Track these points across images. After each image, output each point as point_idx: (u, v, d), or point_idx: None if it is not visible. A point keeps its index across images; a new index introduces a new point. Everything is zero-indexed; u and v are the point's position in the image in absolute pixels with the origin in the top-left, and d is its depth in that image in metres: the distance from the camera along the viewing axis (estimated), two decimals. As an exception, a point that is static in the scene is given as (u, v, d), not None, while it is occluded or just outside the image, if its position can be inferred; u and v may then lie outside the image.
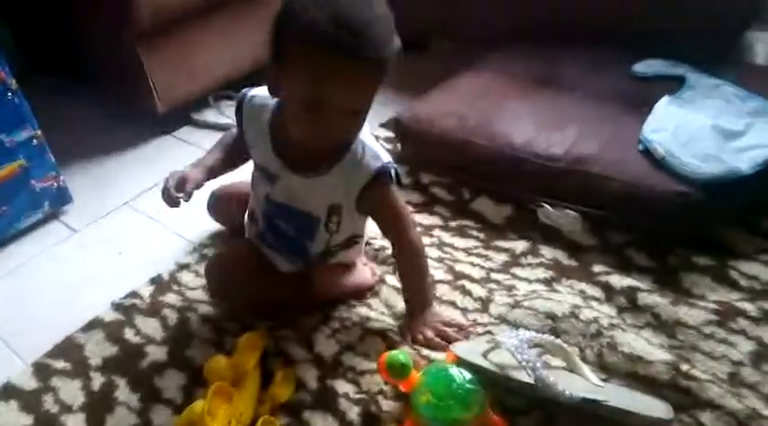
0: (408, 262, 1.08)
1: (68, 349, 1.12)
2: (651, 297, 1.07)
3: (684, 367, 0.94)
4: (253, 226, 1.18)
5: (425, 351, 1.02)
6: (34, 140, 1.38)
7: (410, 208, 1.37)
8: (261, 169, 1.08)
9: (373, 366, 1.01)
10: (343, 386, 0.99)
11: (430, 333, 1.04)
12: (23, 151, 1.37)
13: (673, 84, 1.38)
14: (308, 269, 1.13)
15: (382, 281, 1.18)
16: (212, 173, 1.12)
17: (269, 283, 1.13)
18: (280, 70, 0.91)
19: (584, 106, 1.36)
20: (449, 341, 1.03)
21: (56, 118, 1.54)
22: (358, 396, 0.97)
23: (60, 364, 1.09)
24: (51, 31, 1.88)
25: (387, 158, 1.01)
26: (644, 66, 1.47)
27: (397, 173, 1.03)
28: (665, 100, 1.32)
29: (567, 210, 1.22)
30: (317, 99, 0.88)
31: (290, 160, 1.02)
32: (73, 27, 1.78)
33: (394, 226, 1.06)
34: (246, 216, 1.20)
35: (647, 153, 1.21)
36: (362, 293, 1.16)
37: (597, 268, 1.15)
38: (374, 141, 1.02)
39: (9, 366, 1.12)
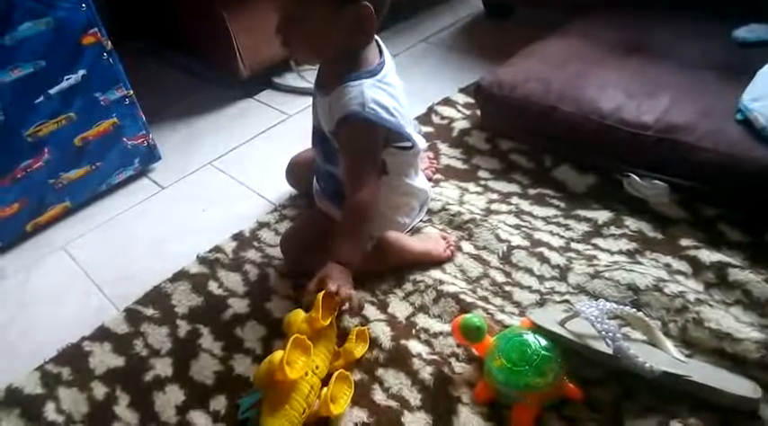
0: (346, 212, 1.07)
1: (157, 297, 1.18)
2: (743, 274, 1.01)
3: (776, 346, 0.89)
4: (316, 179, 1.23)
5: (500, 317, 1.01)
6: (126, 100, 1.45)
7: (488, 175, 1.36)
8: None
9: (446, 328, 1.01)
10: (416, 347, 1.00)
11: (333, 287, 0.99)
12: (116, 110, 1.44)
13: (778, 51, 1.28)
14: None
15: (458, 248, 1.17)
16: None
17: None
18: None
19: (678, 73, 1.28)
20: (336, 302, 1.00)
21: (146, 80, 1.61)
22: (431, 357, 0.98)
23: (150, 311, 1.16)
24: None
25: (370, 109, 1.00)
26: (746, 32, 1.37)
27: (374, 126, 1.02)
28: (768, 67, 1.24)
29: (656, 181, 1.17)
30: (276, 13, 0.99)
31: (317, 80, 1.11)
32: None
33: (345, 171, 1.07)
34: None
35: (746, 122, 1.13)
36: (434, 262, 1.15)
37: (685, 241, 1.10)
38: (375, 91, 1.02)
39: (103, 311, 1.20)
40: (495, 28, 2.00)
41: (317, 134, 1.14)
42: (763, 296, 0.98)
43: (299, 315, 1.00)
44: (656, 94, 1.23)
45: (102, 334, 1.13)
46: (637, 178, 1.18)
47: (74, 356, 1.09)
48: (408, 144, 1.10)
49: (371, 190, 1.05)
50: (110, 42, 1.37)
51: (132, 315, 1.15)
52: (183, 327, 1.12)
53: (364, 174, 1.05)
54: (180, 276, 1.22)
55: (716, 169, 1.11)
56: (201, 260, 1.25)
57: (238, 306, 1.14)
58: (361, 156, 1.05)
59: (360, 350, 1.00)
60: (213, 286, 1.19)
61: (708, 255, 1.06)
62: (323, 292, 0.98)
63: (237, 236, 1.30)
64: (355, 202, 1.04)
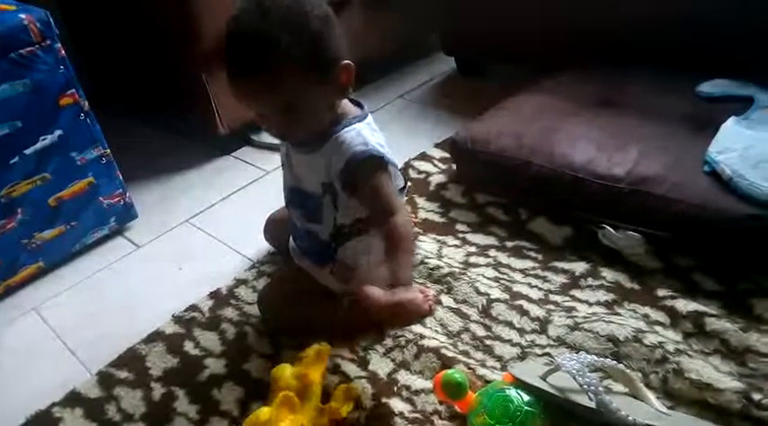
0: (392, 244, 1.07)
1: (131, 359, 1.15)
2: (720, 323, 1.02)
3: (757, 396, 0.89)
4: (293, 239, 1.22)
5: (481, 372, 1.00)
6: (103, 159, 1.44)
7: (465, 228, 1.37)
8: (282, 160, 1.16)
9: (428, 385, 1.00)
10: (398, 405, 0.97)
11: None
12: (93, 169, 1.43)
13: (740, 105, 1.33)
14: (337, 267, 1.14)
15: (438, 302, 1.17)
16: None
17: (319, 309, 1.14)
18: None
19: (647, 126, 1.32)
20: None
21: (124, 138, 1.61)
22: (413, 415, 0.96)
23: (123, 374, 1.12)
24: (119, 58, 1.96)
25: (373, 146, 1.03)
26: (710, 86, 1.42)
27: (383, 160, 1.04)
28: (731, 120, 1.28)
29: (629, 232, 1.18)
30: (253, 110, 0.99)
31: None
32: (140, 53, 1.86)
33: (373, 205, 1.07)
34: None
35: (714, 174, 1.17)
36: (416, 315, 1.14)
37: (662, 292, 1.11)
38: (370, 133, 1.05)
39: (75, 375, 1.16)
40: (469, 85, 2.05)
41: (297, 194, 1.14)
42: (740, 345, 0.99)
43: (285, 370, 0.98)
44: (627, 147, 1.26)
45: (73, 399, 1.09)
46: (611, 229, 1.20)
47: (43, 424, 1.05)
48: (401, 184, 1.12)
49: (405, 212, 1.08)
50: (87, 102, 1.37)
51: (105, 379, 1.12)
52: (158, 390, 1.08)
53: (393, 199, 1.06)
54: (155, 336, 1.19)
55: (687, 220, 1.14)
56: (177, 319, 1.23)
57: (215, 366, 1.11)
58: (382, 185, 1.06)
59: (346, 408, 0.97)
60: (189, 346, 1.16)
61: (684, 305, 1.07)
62: (317, 347, 0.98)
63: (214, 294, 1.28)
64: (397, 227, 1.05)
